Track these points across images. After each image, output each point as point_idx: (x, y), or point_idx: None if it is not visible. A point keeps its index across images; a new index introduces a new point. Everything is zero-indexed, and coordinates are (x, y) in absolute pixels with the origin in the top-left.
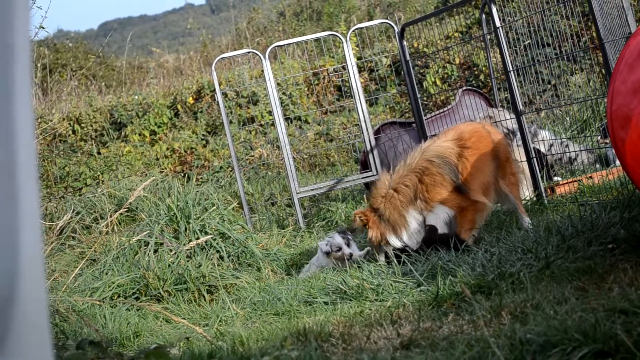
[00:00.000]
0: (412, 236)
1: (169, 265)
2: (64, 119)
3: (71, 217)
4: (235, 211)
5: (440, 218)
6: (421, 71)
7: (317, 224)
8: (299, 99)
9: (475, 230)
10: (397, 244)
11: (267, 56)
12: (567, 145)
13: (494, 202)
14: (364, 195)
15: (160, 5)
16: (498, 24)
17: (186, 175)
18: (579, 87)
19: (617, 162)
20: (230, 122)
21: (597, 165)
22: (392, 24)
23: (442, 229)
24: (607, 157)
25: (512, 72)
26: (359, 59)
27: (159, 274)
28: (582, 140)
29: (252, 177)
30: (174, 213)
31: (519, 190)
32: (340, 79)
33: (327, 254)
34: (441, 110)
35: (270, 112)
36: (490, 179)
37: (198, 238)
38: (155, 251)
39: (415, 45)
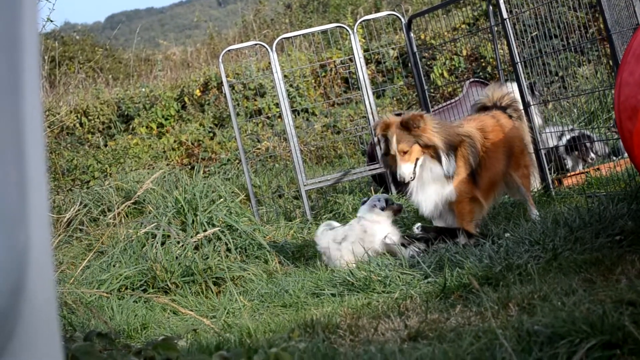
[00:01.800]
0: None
1: (177, 258)
2: (71, 112)
3: (79, 210)
4: (242, 203)
5: (442, 198)
6: (428, 63)
7: (324, 216)
8: (306, 91)
9: (475, 222)
10: (445, 166)
11: (274, 48)
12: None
13: (499, 197)
14: (371, 188)
15: None
16: (505, 15)
17: (193, 167)
18: (587, 78)
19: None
20: (238, 114)
21: (612, 157)
22: (399, 16)
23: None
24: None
25: (519, 63)
26: (366, 51)
27: (167, 266)
28: (590, 131)
29: (259, 169)
30: (182, 205)
31: (530, 182)
32: (347, 71)
33: (383, 209)
34: (448, 102)
35: (277, 105)
36: (499, 177)
37: (205, 230)
38: (163, 243)
39: (423, 37)
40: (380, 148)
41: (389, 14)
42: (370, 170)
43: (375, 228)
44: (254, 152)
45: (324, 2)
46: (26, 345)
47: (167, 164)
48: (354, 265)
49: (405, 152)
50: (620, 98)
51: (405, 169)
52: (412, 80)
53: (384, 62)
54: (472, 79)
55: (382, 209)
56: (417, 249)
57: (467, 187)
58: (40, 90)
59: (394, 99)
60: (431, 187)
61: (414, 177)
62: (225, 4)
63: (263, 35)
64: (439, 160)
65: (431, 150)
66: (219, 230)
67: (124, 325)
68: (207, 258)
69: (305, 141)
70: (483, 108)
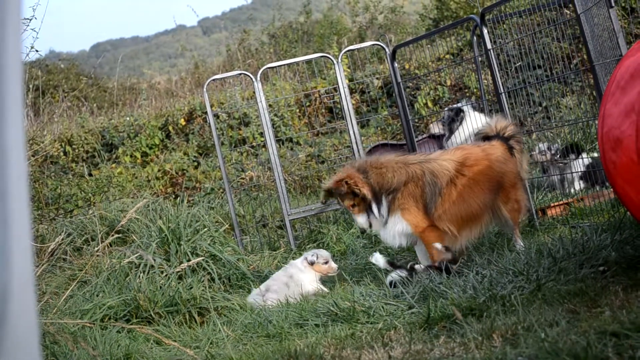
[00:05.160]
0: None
1: (160, 287)
2: (55, 141)
3: (62, 239)
4: (226, 233)
5: (401, 232)
6: (412, 93)
7: (308, 246)
8: (290, 120)
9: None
10: (376, 214)
11: (258, 78)
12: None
13: (485, 229)
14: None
15: (152, 26)
16: (489, 46)
17: (177, 196)
18: (570, 109)
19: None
20: (222, 143)
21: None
22: (384, 46)
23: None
24: None
25: (503, 94)
26: (350, 80)
27: (150, 296)
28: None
29: (243, 198)
30: (165, 235)
31: (520, 216)
32: (331, 101)
33: (312, 264)
34: (432, 132)
35: (261, 134)
36: (478, 210)
37: (189, 260)
38: (147, 273)
39: (407, 67)
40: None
41: (373, 44)
42: None
43: (301, 276)
44: (238, 181)
45: (308, 32)
46: None
47: (151, 193)
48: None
49: (352, 206)
50: (604, 129)
51: (360, 219)
52: (396, 110)
53: (369, 92)
54: None
55: (311, 263)
56: (399, 276)
57: (418, 219)
58: (23, 119)
59: (379, 128)
60: (392, 231)
61: (371, 224)
62: (210, 33)
63: (247, 65)
64: (371, 209)
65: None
66: (202, 260)
67: (107, 356)
68: (191, 288)
69: (289, 171)
70: (486, 138)
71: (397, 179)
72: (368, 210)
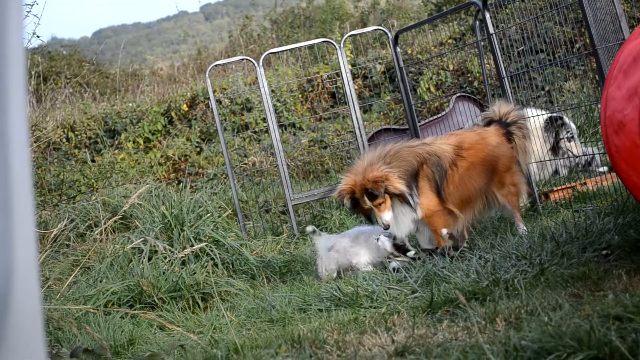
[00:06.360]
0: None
1: (163, 273)
2: (58, 127)
3: (65, 225)
4: (229, 218)
5: (413, 221)
6: (415, 78)
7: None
8: (293, 105)
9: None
10: (413, 205)
11: (261, 63)
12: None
13: (479, 214)
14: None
15: (154, 12)
16: (491, 30)
17: (180, 182)
18: (573, 93)
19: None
20: (225, 129)
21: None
22: (386, 31)
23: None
24: None
25: (506, 78)
26: (353, 65)
27: (153, 281)
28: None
29: (246, 184)
30: (168, 220)
31: (519, 199)
32: (334, 86)
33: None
34: (435, 117)
35: (264, 119)
36: (474, 193)
37: (192, 245)
38: (150, 259)
39: (409, 51)
40: (347, 206)
41: (375, 29)
42: None
43: (360, 251)
44: (241, 167)
45: (310, 17)
46: None
47: (154, 179)
48: (331, 275)
49: (381, 204)
50: (607, 113)
51: (387, 216)
52: (398, 94)
53: (371, 77)
54: (459, 94)
55: (395, 250)
56: (403, 262)
57: (432, 203)
58: (26, 105)
59: (381, 113)
60: (404, 219)
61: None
62: (212, 19)
63: (250, 50)
64: (407, 202)
65: (400, 197)
66: (205, 245)
67: (110, 341)
68: (194, 273)
69: (292, 156)
70: (490, 122)
71: (416, 161)
72: (405, 202)
